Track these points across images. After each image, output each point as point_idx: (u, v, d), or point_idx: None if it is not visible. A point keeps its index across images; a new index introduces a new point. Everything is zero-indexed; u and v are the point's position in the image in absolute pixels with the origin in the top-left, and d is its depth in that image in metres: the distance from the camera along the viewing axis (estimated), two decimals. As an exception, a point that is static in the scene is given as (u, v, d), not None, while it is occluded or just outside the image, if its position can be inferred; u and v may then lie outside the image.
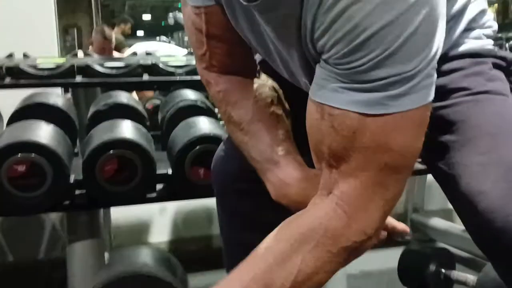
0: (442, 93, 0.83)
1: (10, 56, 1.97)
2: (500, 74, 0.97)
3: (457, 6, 0.87)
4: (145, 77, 1.95)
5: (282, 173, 0.88)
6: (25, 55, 2.01)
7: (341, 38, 0.67)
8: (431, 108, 0.72)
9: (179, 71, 1.96)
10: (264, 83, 0.95)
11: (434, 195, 2.77)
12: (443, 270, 1.95)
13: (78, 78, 1.91)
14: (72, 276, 1.59)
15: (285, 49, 0.83)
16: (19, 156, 1.42)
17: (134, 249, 1.80)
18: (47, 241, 2.43)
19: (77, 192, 1.55)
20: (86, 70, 1.91)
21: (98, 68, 1.91)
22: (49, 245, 2.42)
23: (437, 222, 2.59)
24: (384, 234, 0.82)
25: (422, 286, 1.97)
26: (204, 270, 2.44)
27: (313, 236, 0.71)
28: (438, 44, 0.70)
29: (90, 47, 4.30)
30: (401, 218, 2.31)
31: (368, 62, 0.66)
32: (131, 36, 6.18)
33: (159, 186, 1.61)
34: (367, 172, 0.70)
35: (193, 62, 1.78)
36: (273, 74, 0.96)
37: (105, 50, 3.88)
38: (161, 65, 1.95)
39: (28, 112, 1.76)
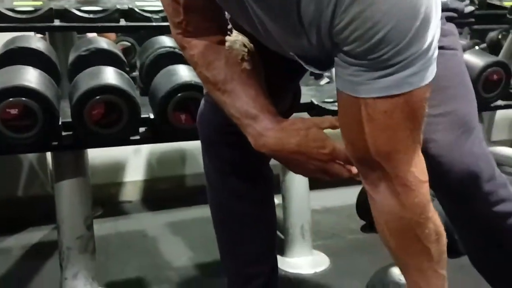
0: None
1: (-15, -1, 1.95)
2: (452, 28, 1.07)
3: None
4: (122, 22, 2.00)
5: (259, 126, 0.96)
6: (0, -3, 2.00)
7: (363, 34, 0.73)
8: None
9: (156, 16, 2.01)
10: (235, 39, 0.99)
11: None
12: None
13: (57, 22, 1.94)
14: (61, 211, 1.71)
15: (276, 27, 0.87)
16: (11, 100, 1.51)
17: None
18: (25, 180, 2.51)
19: (64, 133, 1.66)
20: (64, 14, 1.91)
21: (77, 12, 1.93)
22: (27, 183, 2.51)
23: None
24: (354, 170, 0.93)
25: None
26: (177, 207, 2.59)
27: None
28: (439, 13, 0.77)
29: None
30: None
31: (390, 51, 0.73)
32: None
33: (141, 129, 1.73)
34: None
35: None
36: (243, 30, 1.00)
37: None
38: (137, 9, 1.98)
39: (13, 56, 1.83)
